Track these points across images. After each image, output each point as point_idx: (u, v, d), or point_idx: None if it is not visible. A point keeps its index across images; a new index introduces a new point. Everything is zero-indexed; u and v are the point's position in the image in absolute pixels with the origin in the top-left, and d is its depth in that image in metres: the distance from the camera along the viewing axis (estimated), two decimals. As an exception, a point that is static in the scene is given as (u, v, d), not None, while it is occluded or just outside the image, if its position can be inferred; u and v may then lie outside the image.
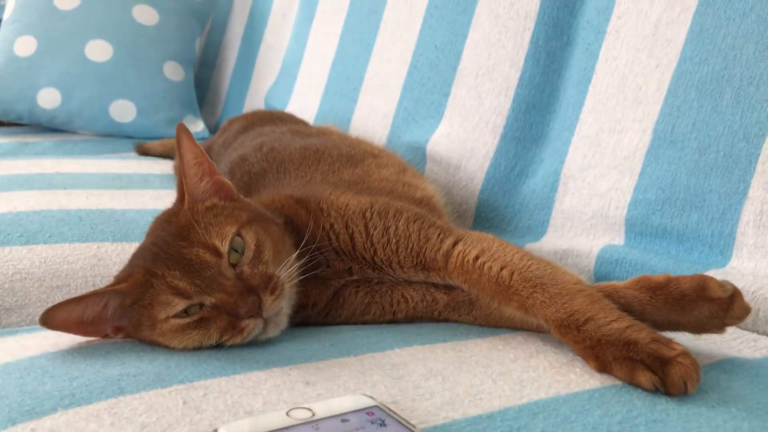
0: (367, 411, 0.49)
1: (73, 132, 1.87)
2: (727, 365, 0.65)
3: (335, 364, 0.62)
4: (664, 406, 0.56)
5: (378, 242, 0.76)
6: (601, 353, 0.61)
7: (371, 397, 0.51)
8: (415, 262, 0.75)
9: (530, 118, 1.12)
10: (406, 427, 0.47)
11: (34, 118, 1.83)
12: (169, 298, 0.65)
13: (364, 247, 0.76)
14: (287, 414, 0.48)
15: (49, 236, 0.95)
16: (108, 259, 0.93)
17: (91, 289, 0.89)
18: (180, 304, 0.65)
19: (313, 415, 0.48)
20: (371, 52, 1.42)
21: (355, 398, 0.51)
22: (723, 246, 0.82)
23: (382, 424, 0.48)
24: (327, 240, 0.77)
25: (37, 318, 0.86)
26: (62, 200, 1.10)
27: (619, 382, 0.60)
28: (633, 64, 0.95)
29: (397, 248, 0.75)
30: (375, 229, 0.76)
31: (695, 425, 0.53)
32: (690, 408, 0.55)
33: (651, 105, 0.92)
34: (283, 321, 0.68)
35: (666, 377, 0.57)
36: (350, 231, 0.77)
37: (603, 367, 0.61)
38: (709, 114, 0.85)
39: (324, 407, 0.49)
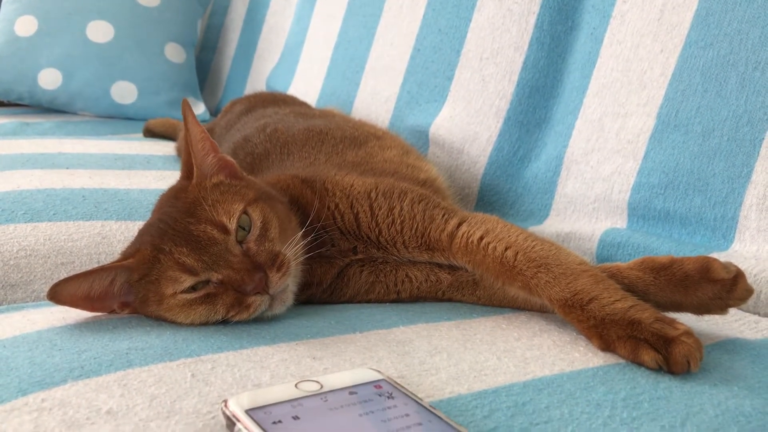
0: (375, 384, 0.50)
1: (74, 113, 1.87)
2: (729, 346, 0.65)
3: (341, 341, 0.62)
4: (667, 384, 0.56)
5: (383, 222, 0.76)
6: (605, 332, 0.61)
7: (378, 371, 0.52)
8: (419, 242, 0.75)
9: (534, 102, 1.12)
10: (414, 399, 0.48)
11: (35, 98, 1.83)
12: (177, 275, 0.65)
13: (369, 227, 0.76)
14: (296, 386, 0.49)
15: (54, 214, 0.96)
16: (112, 237, 0.93)
17: (96, 266, 0.90)
18: (187, 281, 0.65)
19: (321, 387, 0.49)
20: (374, 34, 1.42)
21: (362, 372, 0.51)
22: (726, 229, 0.82)
23: (390, 396, 0.48)
24: (332, 219, 0.77)
25: (42, 294, 0.87)
26: (65, 179, 1.10)
27: (622, 361, 0.60)
28: (638, 48, 0.96)
29: (402, 228, 0.76)
30: (380, 209, 0.77)
31: (698, 402, 0.53)
32: (693, 386, 0.56)
33: (655, 89, 0.92)
34: (289, 298, 0.69)
35: (669, 356, 0.58)
36: (355, 211, 0.77)
37: (607, 346, 0.62)
38: (713, 98, 0.85)
39: (332, 380, 0.50)
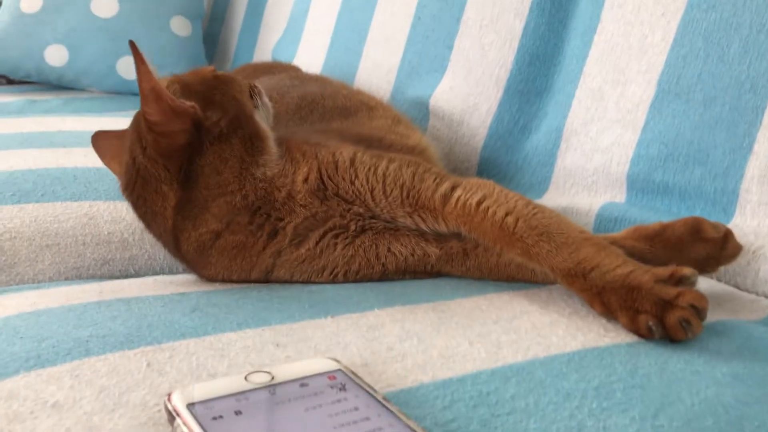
0: (329, 375, 0.48)
1: (81, 89, 1.86)
2: (720, 327, 0.62)
3: (310, 326, 0.60)
4: (645, 371, 0.53)
5: (362, 172, 0.73)
6: (607, 299, 0.61)
7: (336, 361, 0.50)
8: (405, 195, 0.72)
9: (534, 70, 1.07)
10: (367, 391, 0.46)
11: (43, 75, 1.82)
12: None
13: (346, 170, 0.73)
14: (246, 378, 0.47)
15: (42, 195, 0.95)
16: (99, 217, 0.92)
17: (81, 248, 0.90)
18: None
19: (273, 378, 0.47)
20: (376, 3, 1.38)
21: (318, 362, 0.49)
22: (726, 203, 0.78)
23: (342, 388, 0.46)
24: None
25: (27, 277, 0.87)
26: (60, 159, 1.09)
27: (602, 344, 0.58)
28: (639, 11, 0.91)
29: (384, 179, 0.73)
30: (362, 163, 0.74)
31: (675, 391, 0.50)
32: (673, 373, 0.53)
33: (656, 55, 0.87)
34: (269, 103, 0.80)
35: (665, 322, 0.57)
36: (336, 158, 0.74)
37: (608, 312, 0.61)
38: (715, 64, 0.81)
39: (284, 371, 0.48)
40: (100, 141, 0.82)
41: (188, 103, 0.70)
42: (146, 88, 0.67)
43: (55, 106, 1.71)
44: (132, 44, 0.67)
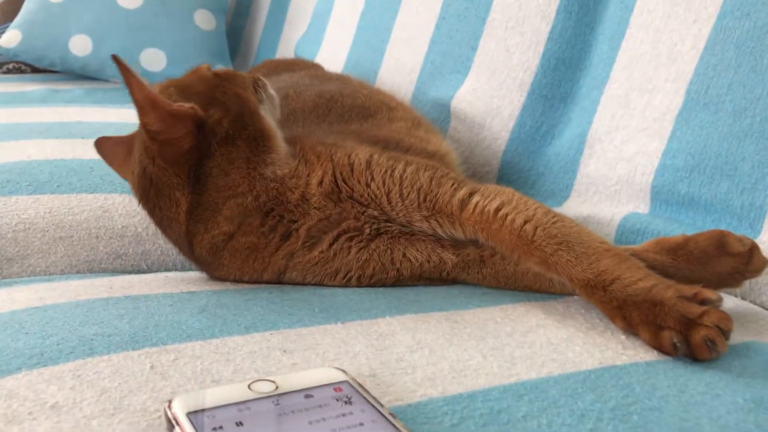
0: (335, 386, 0.46)
1: (105, 80, 1.86)
2: (743, 349, 0.60)
3: (319, 331, 0.59)
4: (664, 393, 0.51)
5: (378, 175, 0.72)
6: (628, 314, 0.59)
7: (343, 371, 0.48)
8: (421, 199, 0.71)
9: (559, 75, 1.05)
10: (373, 405, 0.44)
11: (67, 65, 1.83)
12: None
13: (362, 173, 0.72)
14: (249, 387, 0.45)
15: (57, 186, 0.94)
16: (114, 210, 0.91)
17: (94, 241, 0.89)
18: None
19: (277, 388, 0.46)
20: (401, 2, 1.36)
21: (324, 372, 0.48)
22: (753, 219, 0.75)
23: (348, 401, 0.45)
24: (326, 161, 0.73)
25: (38, 269, 0.86)
26: (77, 150, 1.09)
27: (619, 362, 0.56)
28: (669, 18, 0.88)
29: (401, 182, 0.71)
30: (378, 166, 0.72)
31: (694, 415, 0.48)
32: (692, 396, 0.51)
33: (685, 64, 0.85)
34: (275, 96, 0.78)
35: (690, 340, 0.55)
36: (351, 161, 0.72)
37: (630, 327, 0.59)
38: (747, 74, 0.78)
39: (289, 380, 0.46)
40: (105, 148, 0.81)
41: (187, 105, 0.68)
42: (140, 98, 0.65)
43: (77, 96, 1.71)
44: (115, 58, 0.65)
